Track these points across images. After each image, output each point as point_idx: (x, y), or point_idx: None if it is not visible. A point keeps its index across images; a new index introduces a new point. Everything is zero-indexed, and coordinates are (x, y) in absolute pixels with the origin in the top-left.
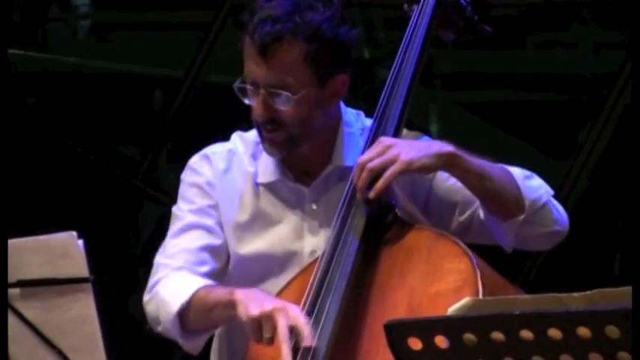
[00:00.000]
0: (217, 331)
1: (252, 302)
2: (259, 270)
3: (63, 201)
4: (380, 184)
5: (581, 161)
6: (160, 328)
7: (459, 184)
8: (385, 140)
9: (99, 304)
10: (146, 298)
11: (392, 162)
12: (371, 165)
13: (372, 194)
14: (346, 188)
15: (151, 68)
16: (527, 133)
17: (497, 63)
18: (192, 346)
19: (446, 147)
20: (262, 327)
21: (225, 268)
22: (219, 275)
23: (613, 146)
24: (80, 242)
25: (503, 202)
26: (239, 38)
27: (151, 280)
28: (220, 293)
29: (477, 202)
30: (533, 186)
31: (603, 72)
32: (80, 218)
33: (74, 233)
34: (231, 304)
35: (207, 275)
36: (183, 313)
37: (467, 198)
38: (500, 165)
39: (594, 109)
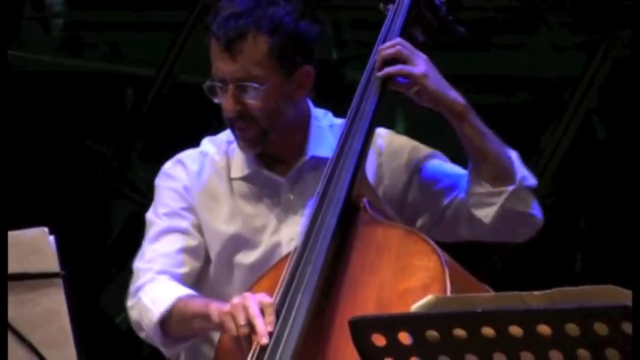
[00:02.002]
0: None
1: (222, 305)
2: (244, 265)
3: (35, 197)
4: (394, 69)
5: (543, 162)
6: (143, 335)
7: (441, 171)
8: (402, 44)
9: (69, 300)
10: (129, 303)
11: (403, 69)
12: (385, 53)
13: (380, 73)
14: (319, 186)
15: (124, 67)
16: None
17: (462, 66)
18: (174, 352)
19: (459, 95)
20: (236, 318)
21: (205, 266)
22: (200, 274)
23: (575, 148)
24: (51, 238)
25: (499, 167)
26: (206, 39)
27: (133, 286)
28: (197, 304)
29: (458, 189)
30: (524, 170)
31: (566, 75)
32: (52, 214)
33: (45, 229)
34: (207, 317)
35: (187, 275)
36: (165, 321)
37: (450, 183)
38: (499, 139)
39: (557, 112)
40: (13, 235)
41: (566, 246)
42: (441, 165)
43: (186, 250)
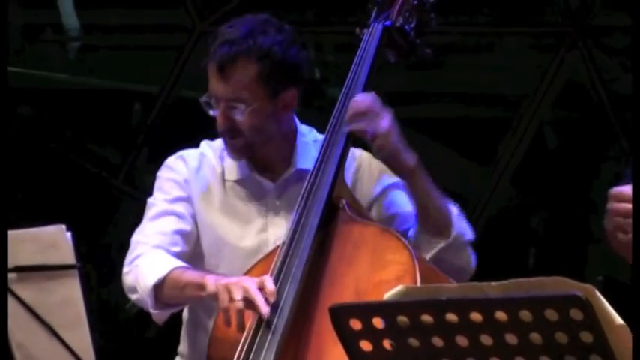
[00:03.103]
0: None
1: (220, 279)
2: (230, 255)
3: (55, 199)
4: (360, 127)
5: (501, 168)
6: (135, 296)
7: (403, 201)
8: (373, 102)
9: (84, 288)
10: (126, 269)
11: (370, 122)
12: (356, 105)
13: (348, 129)
14: (303, 188)
15: (132, 84)
16: (457, 144)
17: (429, 83)
18: (161, 316)
19: (413, 154)
20: (232, 292)
21: (194, 252)
22: (189, 258)
23: (528, 157)
24: (68, 234)
25: (439, 222)
26: (205, 60)
27: (130, 256)
28: (193, 275)
29: (412, 223)
30: (463, 224)
31: (521, 93)
32: (69, 213)
33: (63, 226)
34: (202, 286)
35: (178, 255)
36: (159, 286)
37: (406, 215)
38: (443, 196)
39: (512, 124)
40: (35, 231)
41: (520, 242)
42: (404, 196)
43: (181, 233)
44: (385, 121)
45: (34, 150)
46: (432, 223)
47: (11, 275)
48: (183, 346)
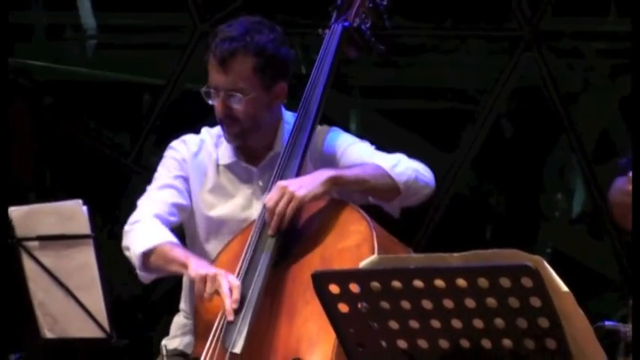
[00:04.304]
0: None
1: (201, 266)
2: (219, 228)
3: (74, 177)
4: (286, 220)
5: (462, 154)
6: (127, 254)
7: (356, 156)
8: (281, 183)
9: (98, 255)
10: (126, 228)
11: (290, 200)
12: (278, 210)
13: (283, 226)
14: (275, 169)
15: (142, 77)
16: (424, 133)
17: (402, 78)
18: (146, 278)
19: (327, 173)
20: (207, 284)
21: (190, 226)
22: (188, 232)
23: (487, 144)
24: (85, 208)
25: (383, 193)
26: (205, 54)
27: (133, 217)
28: (179, 253)
29: None
30: (401, 171)
31: (481, 88)
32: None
33: (80, 201)
34: (185, 265)
35: (174, 224)
36: (147, 254)
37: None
38: (372, 164)
39: (473, 116)
40: (55, 205)
41: (479, 219)
42: (356, 151)
43: (178, 206)
44: (293, 185)
45: (56, 134)
46: (380, 195)
47: (34, 243)
48: (183, 304)
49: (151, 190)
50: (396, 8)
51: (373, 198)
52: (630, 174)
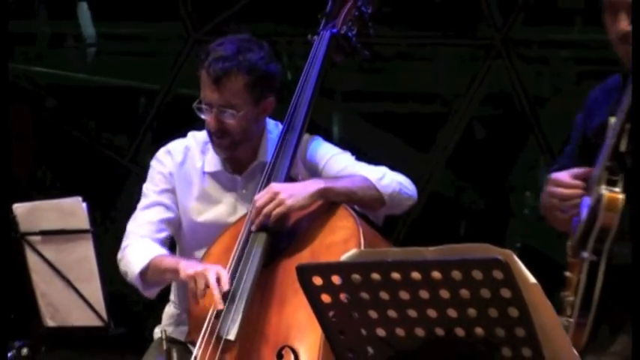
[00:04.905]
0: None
1: (189, 267)
2: (207, 234)
3: (74, 175)
4: (272, 221)
5: (438, 154)
6: (128, 279)
7: (339, 166)
8: (274, 187)
9: (97, 249)
10: (119, 256)
11: (279, 205)
12: (265, 211)
13: (271, 224)
14: (262, 177)
15: (138, 83)
16: (403, 134)
17: (382, 84)
18: (151, 293)
19: (318, 185)
20: (197, 282)
21: (178, 233)
22: (178, 239)
23: (461, 145)
24: (84, 204)
25: (369, 203)
26: (198, 68)
27: (123, 243)
28: (169, 261)
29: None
30: (386, 183)
31: (455, 93)
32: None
33: (80, 198)
34: (176, 270)
35: (163, 239)
36: (143, 272)
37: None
38: (359, 176)
39: (448, 119)
40: (56, 202)
41: (453, 215)
42: (338, 162)
43: (166, 221)
44: (284, 192)
45: (57, 135)
46: (366, 205)
47: (36, 238)
48: (173, 296)
49: (138, 211)
50: (376, 18)
51: (359, 207)
52: (552, 176)
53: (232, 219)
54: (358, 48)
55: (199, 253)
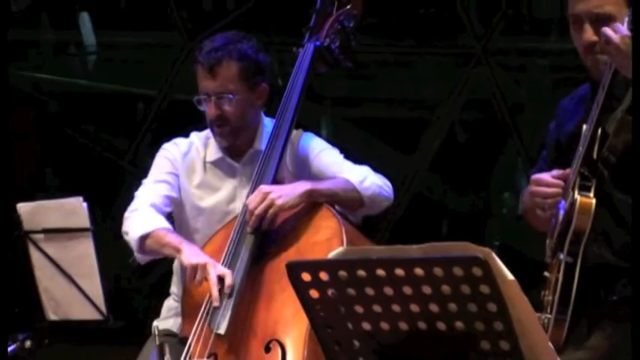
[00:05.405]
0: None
1: (192, 254)
2: (208, 218)
3: (76, 177)
4: (264, 222)
5: (421, 157)
6: (126, 238)
7: (326, 163)
8: (264, 188)
9: (97, 247)
10: (126, 215)
11: (270, 206)
12: (257, 212)
13: (264, 226)
14: (256, 168)
15: (136, 88)
16: (387, 138)
17: (368, 90)
18: (142, 259)
19: (305, 186)
20: (197, 272)
21: (181, 218)
22: (179, 222)
23: (443, 148)
24: (85, 204)
25: (349, 204)
26: (193, 67)
27: (132, 205)
28: (173, 238)
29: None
30: (367, 186)
31: (438, 99)
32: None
33: (81, 198)
34: (178, 250)
35: (166, 215)
36: (144, 238)
37: (331, 173)
38: (342, 179)
39: (431, 122)
40: (59, 202)
41: (436, 215)
42: (324, 159)
43: (170, 198)
44: (276, 192)
45: (59, 138)
46: (347, 205)
47: (39, 236)
48: (174, 287)
49: (147, 182)
50: (363, 28)
51: (340, 207)
52: (534, 176)
53: (232, 206)
54: (341, 59)
55: (196, 235)
